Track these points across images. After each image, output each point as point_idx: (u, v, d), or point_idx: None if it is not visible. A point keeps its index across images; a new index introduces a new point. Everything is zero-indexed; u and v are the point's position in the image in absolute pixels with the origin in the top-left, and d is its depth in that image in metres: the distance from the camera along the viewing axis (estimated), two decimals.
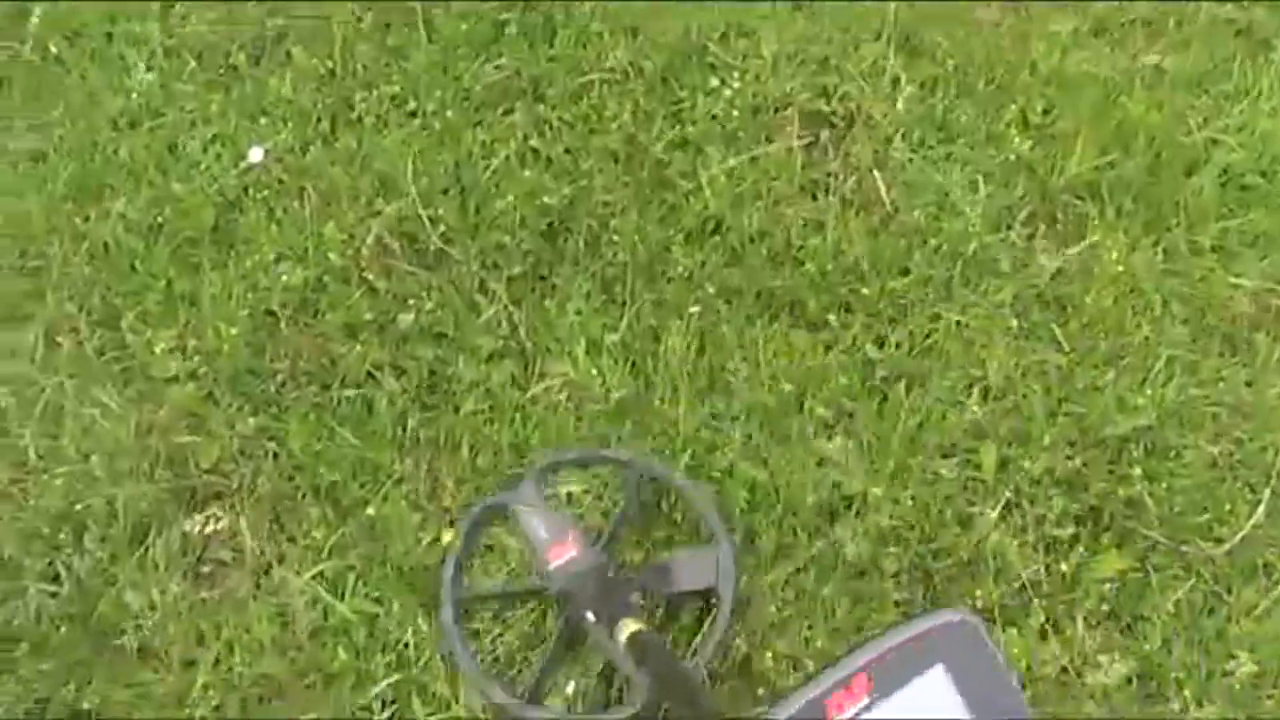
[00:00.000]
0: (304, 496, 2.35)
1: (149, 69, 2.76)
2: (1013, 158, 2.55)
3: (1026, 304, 2.44)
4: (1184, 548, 2.24)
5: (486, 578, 2.26)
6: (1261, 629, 2.18)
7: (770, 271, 2.47)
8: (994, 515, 2.26)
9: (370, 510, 2.31)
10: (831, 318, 2.43)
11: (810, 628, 2.21)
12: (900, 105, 2.61)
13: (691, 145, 2.58)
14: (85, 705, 2.17)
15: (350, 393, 2.42)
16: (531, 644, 2.20)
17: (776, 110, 2.63)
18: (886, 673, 1.25)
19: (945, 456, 2.31)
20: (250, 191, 2.62)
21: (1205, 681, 2.18)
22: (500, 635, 2.20)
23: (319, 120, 2.68)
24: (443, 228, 2.53)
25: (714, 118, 2.60)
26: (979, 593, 2.22)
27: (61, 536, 2.31)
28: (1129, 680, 2.19)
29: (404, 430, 2.39)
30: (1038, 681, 2.18)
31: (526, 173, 2.57)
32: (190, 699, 2.18)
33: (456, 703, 2.13)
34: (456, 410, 2.39)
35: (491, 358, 2.43)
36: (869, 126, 2.59)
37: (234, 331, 2.44)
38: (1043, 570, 2.23)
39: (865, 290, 2.43)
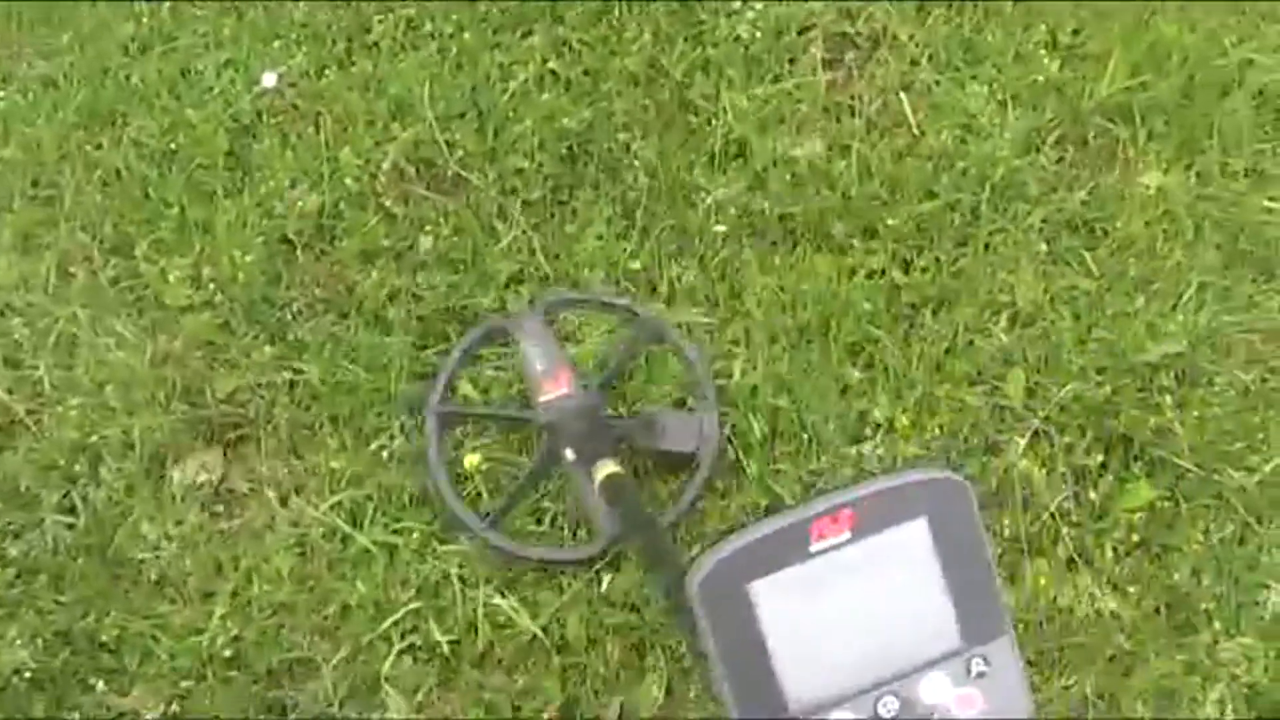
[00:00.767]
0: (321, 426, 2.33)
1: None
2: (1041, 79, 2.49)
3: (1055, 228, 2.40)
4: (1215, 477, 2.21)
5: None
6: None
7: (793, 195, 2.42)
8: (1022, 443, 2.23)
9: (388, 440, 2.29)
10: (856, 243, 2.39)
11: None
12: (927, 25, 2.56)
13: (713, 68, 2.53)
14: (103, 637, 2.16)
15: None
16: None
17: (800, 32, 2.57)
18: (871, 512, 1.25)
19: (972, 384, 2.28)
20: (264, 117, 2.58)
21: (1235, 613, 2.16)
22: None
23: (334, 44, 2.63)
24: (460, 153, 2.49)
25: (736, 39, 2.55)
26: (1006, 521, 2.19)
27: (77, 468, 2.30)
28: (1157, 611, 2.17)
29: (422, 358, 2.36)
30: (1065, 611, 2.16)
31: (545, 96, 2.53)
32: (208, 629, 2.17)
33: (475, 629, 2.12)
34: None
35: (510, 283, 2.40)
36: (894, 48, 2.54)
37: (249, 259, 2.41)
38: (1071, 499, 2.21)
39: (890, 216, 2.38)
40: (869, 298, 2.33)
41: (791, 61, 2.54)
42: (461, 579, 2.16)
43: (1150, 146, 2.44)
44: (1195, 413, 2.22)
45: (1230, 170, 2.42)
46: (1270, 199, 2.38)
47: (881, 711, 1.28)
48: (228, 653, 2.14)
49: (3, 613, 2.19)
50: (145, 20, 2.68)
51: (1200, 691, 2.13)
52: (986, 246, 2.38)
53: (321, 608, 2.20)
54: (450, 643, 2.11)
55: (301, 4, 2.66)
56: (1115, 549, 2.19)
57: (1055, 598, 2.17)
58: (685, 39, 2.56)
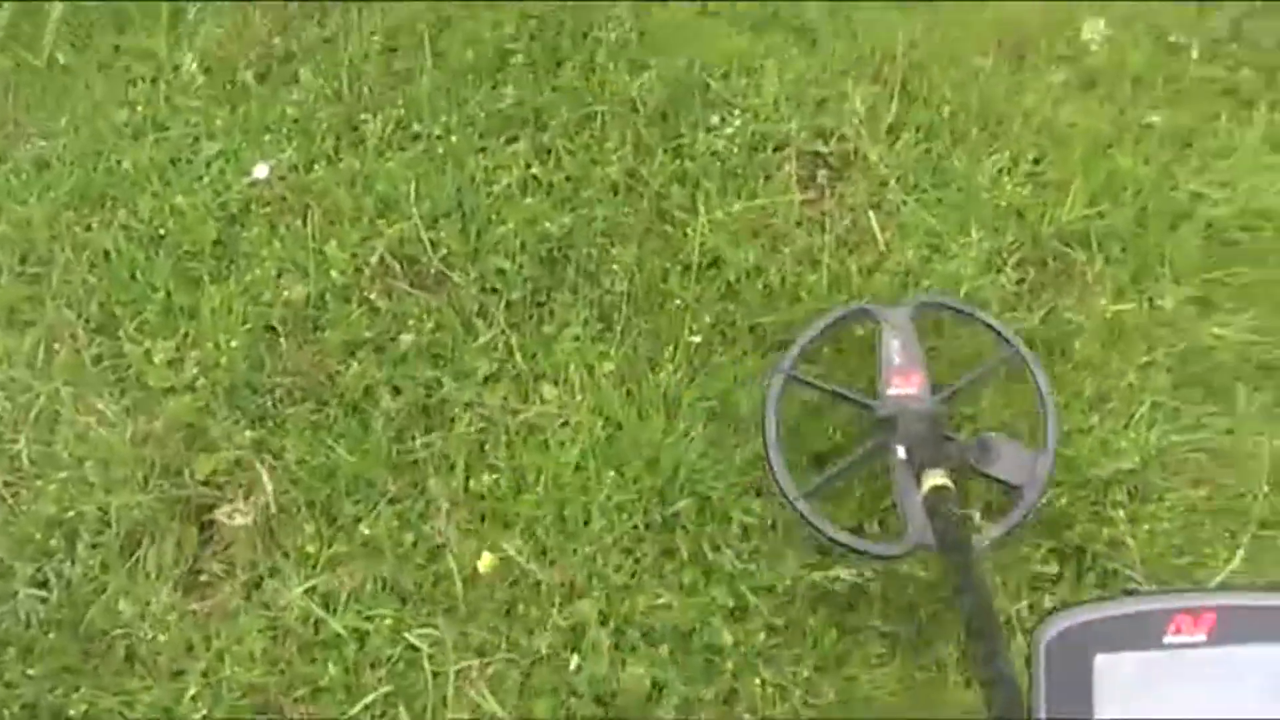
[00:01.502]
0: (298, 511, 2.36)
1: (155, 82, 2.77)
2: (1004, 204, 2.60)
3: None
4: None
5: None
6: None
7: (765, 306, 2.50)
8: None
9: (364, 528, 2.33)
10: (825, 353, 2.47)
11: (798, 657, 2.25)
12: (896, 148, 2.66)
13: (691, 180, 2.62)
14: (72, 712, 2.17)
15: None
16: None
17: (775, 149, 2.67)
18: (1235, 622, 1.26)
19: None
20: (253, 207, 2.64)
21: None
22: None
23: (323, 140, 2.70)
24: (444, 251, 2.56)
25: (714, 154, 2.64)
26: None
27: (53, 543, 2.32)
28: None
29: (399, 449, 2.41)
30: None
31: (528, 200, 2.60)
32: (179, 708, 2.19)
33: (445, 708, 2.16)
34: (451, 431, 2.41)
35: (487, 380, 2.46)
36: (865, 168, 2.65)
37: (233, 344, 2.46)
38: (1026, 608, 2.27)
39: (857, 328, 2.46)
40: (837, 408, 2.40)
41: (766, 178, 2.63)
42: (431, 660, 2.19)
43: (1107, 271, 2.54)
44: (1146, 527, 2.30)
45: (1181, 296, 2.52)
46: (1219, 326, 2.49)
47: None
48: None
49: None
50: (140, 107, 2.74)
51: None
52: (951, 361, 2.46)
53: (292, 690, 2.22)
54: None
55: (293, 99, 2.73)
56: None
57: None
58: (665, 151, 2.65)
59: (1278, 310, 2.51)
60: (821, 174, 2.67)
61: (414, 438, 2.41)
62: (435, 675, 2.18)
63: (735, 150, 2.64)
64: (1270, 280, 2.54)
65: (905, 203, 2.61)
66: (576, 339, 2.48)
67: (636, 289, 2.52)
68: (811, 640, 2.26)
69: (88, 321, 2.53)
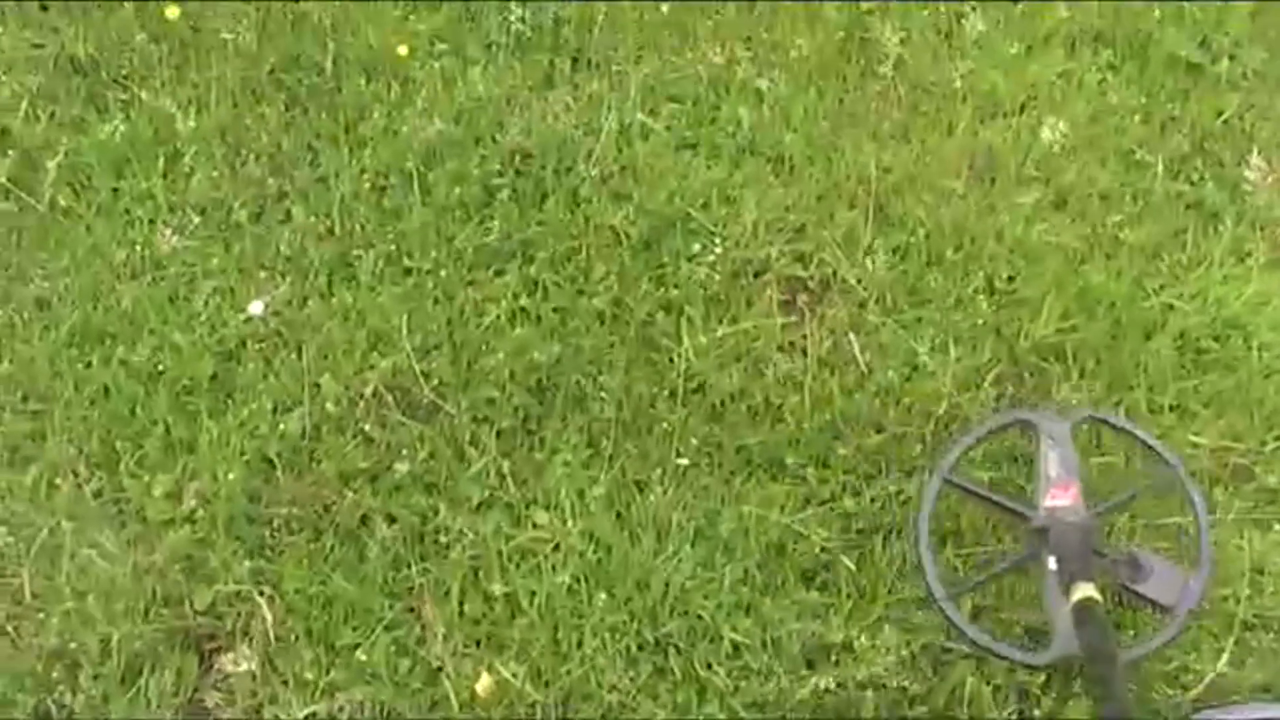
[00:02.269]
0: (297, 639, 2.39)
1: (154, 223, 2.84)
2: (980, 321, 2.68)
3: (996, 460, 2.54)
4: (1152, 694, 2.32)
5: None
6: None
7: (750, 428, 2.56)
8: (968, 662, 2.33)
9: (361, 654, 2.35)
10: (810, 472, 2.53)
11: None
12: (873, 271, 2.74)
13: (675, 307, 2.69)
14: None
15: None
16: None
17: (756, 275, 2.75)
18: None
19: (920, 607, 2.39)
20: (249, 343, 2.69)
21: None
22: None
23: (317, 276, 2.76)
24: (436, 381, 2.61)
25: (697, 281, 2.72)
26: None
27: (55, 674, 2.34)
28: None
29: (395, 576, 2.45)
30: None
31: (517, 331, 2.67)
32: None
33: None
34: (446, 558, 2.46)
35: (480, 507, 2.51)
36: (844, 291, 2.72)
37: (231, 477, 2.50)
38: (1015, 716, 2.30)
39: (842, 448, 2.53)
40: (823, 524, 2.46)
41: (748, 303, 2.70)
42: None
43: (1083, 384, 2.61)
44: (1132, 634, 2.36)
45: (1156, 406, 2.59)
46: (1194, 433, 2.55)
47: None
48: None
49: None
50: (137, 247, 2.79)
51: None
52: (933, 475, 2.51)
53: None
54: None
55: (287, 236, 2.80)
56: None
57: None
58: (649, 280, 2.72)
59: (1251, 416, 2.57)
60: (801, 298, 2.74)
61: (409, 565, 2.45)
62: None
63: (717, 277, 2.71)
64: (1242, 387, 2.60)
65: (884, 323, 2.68)
66: (567, 464, 2.53)
67: (624, 414, 2.57)
68: None
69: (88, 457, 2.57)
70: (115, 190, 2.88)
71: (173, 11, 3.09)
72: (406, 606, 2.43)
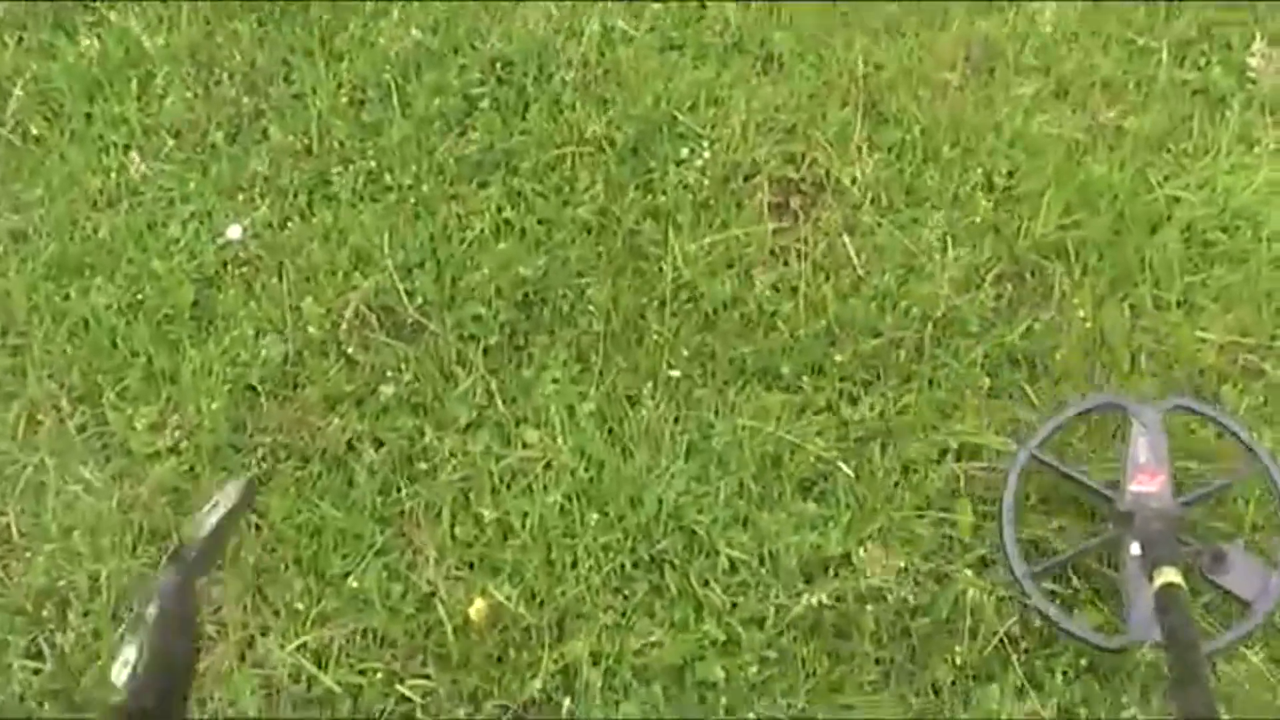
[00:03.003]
0: (286, 568, 2.36)
1: (128, 149, 2.78)
2: (979, 219, 2.58)
3: (997, 363, 2.48)
4: None
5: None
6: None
7: (743, 337, 2.49)
8: (970, 572, 2.28)
9: (352, 581, 2.32)
10: (805, 381, 2.46)
11: (791, 688, 2.23)
12: (868, 171, 2.65)
13: (663, 215, 2.61)
14: None
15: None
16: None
17: (746, 178, 2.66)
18: None
19: (921, 515, 2.34)
20: (229, 268, 2.64)
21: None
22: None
23: (296, 196, 2.70)
24: (420, 300, 2.56)
25: (685, 187, 2.63)
26: (957, 649, 2.24)
27: (45, 613, 2.32)
28: None
29: (384, 501, 2.41)
30: None
31: (501, 245, 2.60)
32: None
33: None
34: (435, 481, 2.41)
35: (469, 428, 2.46)
36: (837, 192, 2.63)
37: (214, 406, 2.46)
38: (1019, 626, 2.26)
39: (838, 354, 2.46)
40: (820, 434, 2.40)
41: (739, 207, 2.62)
42: (425, 710, 2.20)
43: (1085, 281, 2.52)
44: None
45: (1163, 302, 2.51)
46: (1202, 329, 2.47)
47: None
48: None
49: None
50: (113, 175, 2.74)
51: None
52: (931, 381, 2.46)
53: None
54: None
55: (264, 157, 2.73)
56: (1065, 673, 2.24)
57: None
58: (635, 187, 2.64)
59: (1260, 310, 2.48)
60: (794, 200, 2.66)
61: (399, 489, 2.41)
62: None
63: (706, 182, 2.63)
64: (1252, 280, 2.52)
65: (880, 224, 2.60)
66: (556, 381, 2.47)
67: (613, 327, 2.51)
68: (804, 671, 2.25)
69: (70, 391, 2.53)
70: (88, 116, 2.83)
71: None
72: (397, 531, 2.39)
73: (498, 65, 2.82)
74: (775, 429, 2.40)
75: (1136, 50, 2.90)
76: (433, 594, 2.32)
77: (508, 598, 2.30)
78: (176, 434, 2.47)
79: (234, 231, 2.65)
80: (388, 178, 2.70)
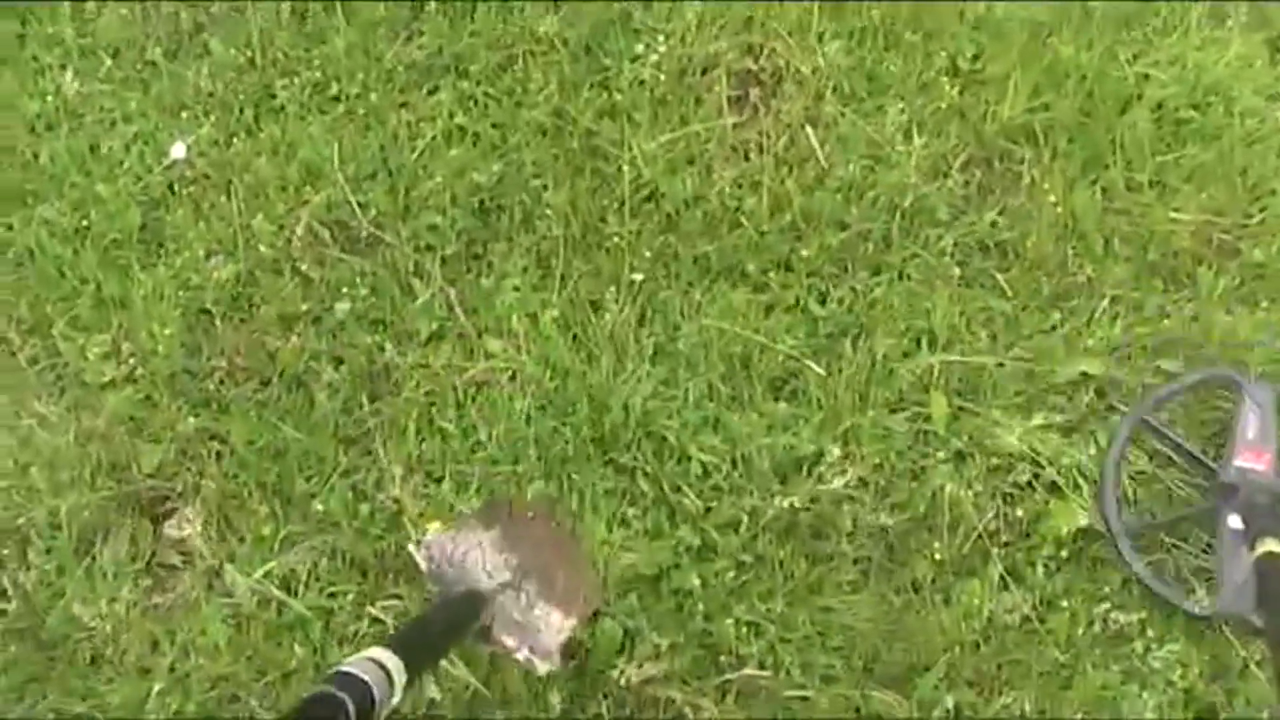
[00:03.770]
0: (250, 494, 2.33)
1: (64, 70, 2.68)
2: (945, 105, 2.50)
3: (967, 251, 2.42)
4: None
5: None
6: None
7: (706, 236, 2.43)
8: (947, 467, 2.25)
9: (318, 504, 2.28)
10: (772, 278, 2.40)
11: (769, 591, 2.20)
12: (828, 59, 2.56)
13: (620, 113, 2.52)
14: None
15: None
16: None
17: (704, 72, 2.57)
18: None
19: (895, 411, 2.30)
20: (175, 188, 2.57)
21: (1167, 620, 2.19)
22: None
23: (241, 111, 2.62)
24: (373, 212, 2.49)
25: (641, 84, 2.54)
26: (936, 545, 2.22)
27: (5, 552, 2.30)
28: (1090, 623, 2.19)
29: (347, 421, 2.36)
30: (1000, 630, 2.18)
31: (454, 151, 2.52)
32: (147, 706, 2.17)
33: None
34: (398, 397, 2.36)
35: (430, 340, 2.41)
36: (798, 83, 2.55)
37: (168, 332, 2.41)
38: (999, 519, 2.23)
39: (804, 249, 2.39)
40: (789, 331, 2.34)
41: (697, 102, 2.53)
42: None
43: (1055, 165, 2.46)
44: None
45: (1134, 184, 2.44)
46: (1175, 210, 2.41)
47: None
48: None
49: None
50: (50, 98, 2.66)
51: (1138, 699, 2.16)
52: (901, 274, 2.40)
53: (261, 676, 2.20)
54: None
55: (206, 73, 2.64)
56: (1046, 565, 2.22)
57: (989, 618, 2.19)
58: (591, 86, 2.55)
59: (1234, 188, 2.42)
60: (754, 93, 2.57)
61: (361, 407, 2.37)
62: None
63: (663, 78, 2.54)
64: (1225, 158, 2.45)
65: (843, 114, 2.51)
66: (517, 289, 2.41)
67: (573, 231, 2.44)
68: (782, 573, 2.22)
69: (19, 323, 2.48)
70: (20, 38, 2.73)
71: None
72: (362, 450, 2.35)
73: None
74: (743, 328, 2.34)
75: None
76: (400, 512, 2.28)
77: (470, 508, 2.27)
78: (131, 362, 2.42)
79: (178, 150, 2.57)
80: (334, 88, 2.61)
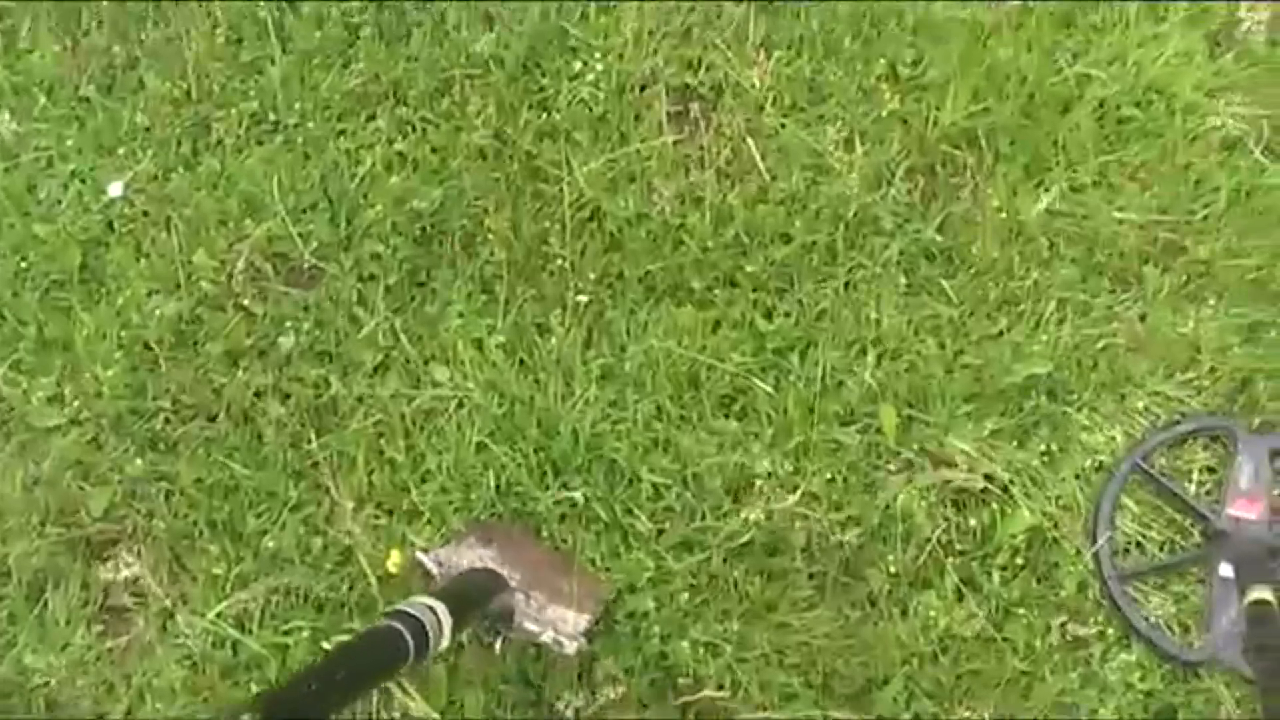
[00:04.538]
0: (201, 534, 2.32)
1: None
2: (885, 113, 2.48)
3: (913, 260, 2.40)
4: None
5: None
6: None
7: (650, 254, 2.41)
8: (899, 478, 2.24)
9: (269, 541, 2.27)
10: (717, 294, 2.39)
11: (725, 611, 2.20)
12: (767, 70, 2.54)
13: (560, 133, 2.50)
14: None
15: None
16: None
17: (643, 88, 2.54)
18: None
19: (845, 424, 2.29)
20: (115, 226, 2.54)
21: (1126, 623, 2.19)
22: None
23: (178, 145, 2.59)
24: (315, 244, 2.46)
25: (580, 102, 2.52)
26: (891, 557, 2.21)
27: None
28: (1048, 629, 2.19)
29: (295, 455, 2.34)
30: (958, 640, 2.18)
31: (394, 179, 2.49)
32: None
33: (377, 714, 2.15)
34: (346, 429, 2.34)
35: (376, 371, 2.39)
36: (738, 94, 2.52)
37: (111, 372, 2.39)
38: (953, 529, 2.22)
39: (749, 264, 2.38)
40: (735, 347, 2.33)
41: (637, 119, 2.51)
42: None
43: (998, 169, 2.44)
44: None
45: (1078, 184, 2.43)
46: (1120, 209, 2.39)
47: None
48: None
49: None
50: None
51: (1098, 703, 2.16)
52: (847, 285, 2.38)
53: (218, 717, 2.19)
54: None
55: (141, 107, 2.61)
56: (1001, 573, 2.22)
57: (947, 628, 2.19)
58: (529, 107, 2.53)
59: (1177, 185, 2.41)
60: (694, 107, 2.54)
61: (309, 441, 2.35)
62: None
63: (602, 95, 2.51)
64: (1168, 155, 2.44)
65: (783, 125, 2.49)
66: (461, 315, 2.39)
67: (516, 255, 2.42)
68: (737, 593, 2.21)
69: None
70: None
71: None
72: (312, 484, 2.34)
73: None
74: (690, 347, 2.33)
75: None
76: (353, 546, 2.27)
77: (429, 542, 2.25)
78: (76, 404, 2.40)
79: (115, 188, 2.53)
80: (272, 117, 2.58)
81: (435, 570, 2.16)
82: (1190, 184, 2.42)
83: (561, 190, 2.45)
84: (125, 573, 2.30)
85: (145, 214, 2.54)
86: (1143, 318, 2.34)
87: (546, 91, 2.55)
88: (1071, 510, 2.25)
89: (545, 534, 2.25)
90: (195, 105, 2.61)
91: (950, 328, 2.35)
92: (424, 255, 2.46)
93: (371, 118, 2.58)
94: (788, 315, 2.37)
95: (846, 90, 2.51)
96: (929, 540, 2.21)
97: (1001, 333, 2.34)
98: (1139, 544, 2.26)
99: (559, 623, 2.11)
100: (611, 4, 2.59)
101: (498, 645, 2.19)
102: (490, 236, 2.44)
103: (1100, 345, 2.32)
